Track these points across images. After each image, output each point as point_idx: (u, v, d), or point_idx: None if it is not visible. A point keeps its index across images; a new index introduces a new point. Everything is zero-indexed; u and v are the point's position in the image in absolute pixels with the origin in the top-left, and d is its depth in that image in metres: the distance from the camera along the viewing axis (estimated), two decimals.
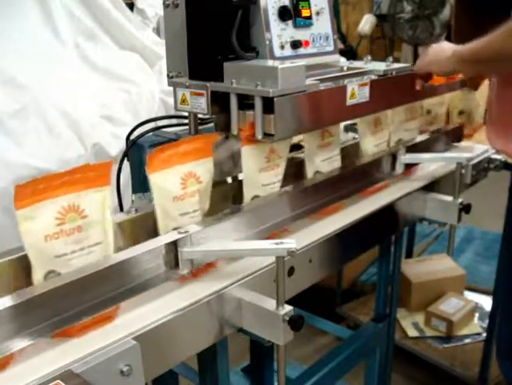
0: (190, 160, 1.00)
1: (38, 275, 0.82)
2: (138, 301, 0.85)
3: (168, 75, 1.19)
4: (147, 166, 0.94)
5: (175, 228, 0.96)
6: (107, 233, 0.89)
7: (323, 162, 1.27)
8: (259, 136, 1.03)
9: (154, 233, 0.99)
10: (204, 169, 1.02)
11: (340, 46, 3.12)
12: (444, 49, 1.35)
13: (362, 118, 1.37)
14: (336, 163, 1.31)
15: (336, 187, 1.25)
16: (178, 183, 0.98)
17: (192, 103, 1.13)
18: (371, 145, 1.42)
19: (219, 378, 1.04)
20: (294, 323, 0.86)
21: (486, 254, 3.25)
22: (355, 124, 1.58)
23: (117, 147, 1.80)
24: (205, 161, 1.02)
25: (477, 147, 1.65)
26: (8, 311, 0.72)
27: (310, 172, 1.25)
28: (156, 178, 0.95)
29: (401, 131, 1.50)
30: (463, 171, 1.44)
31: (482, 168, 1.59)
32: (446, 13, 3.25)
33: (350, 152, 1.45)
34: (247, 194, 1.11)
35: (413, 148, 1.47)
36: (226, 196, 1.17)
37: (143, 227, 0.99)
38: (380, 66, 1.29)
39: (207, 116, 1.24)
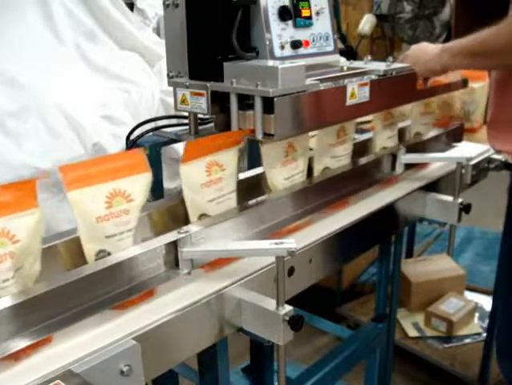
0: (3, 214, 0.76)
1: None
2: (138, 300, 0.85)
3: (168, 75, 1.19)
4: None
5: None
6: None
7: (209, 202, 1.02)
8: (259, 136, 1.03)
9: (153, 233, 0.99)
10: (23, 225, 0.77)
11: (340, 46, 3.11)
12: (427, 48, 1.35)
13: (268, 145, 1.10)
14: (231, 202, 1.06)
15: (336, 187, 1.25)
16: None
17: (192, 103, 1.13)
18: (280, 179, 1.16)
19: (219, 378, 1.04)
20: (294, 323, 0.86)
21: (486, 254, 3.25)
22: (364, 122, 1.54)
23: (117, 147, 1.80)
24: (25, 214, 0.78)
25: (477, 147, 1.65)
26: (8, 311, 0.72)
27: (193, 217, 1.00)
28: None
29: (327, 157, 1.27)
30: (463, 171, 1.44)
31: (482, 168, 1.59)
32: (446, 13, 3.25)
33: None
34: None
35: (413, 148, 1.47)
36: None
37: (143, 227, 0.99)
38: (380, 66, 1.29)
39: (207, 116, 1.24)
